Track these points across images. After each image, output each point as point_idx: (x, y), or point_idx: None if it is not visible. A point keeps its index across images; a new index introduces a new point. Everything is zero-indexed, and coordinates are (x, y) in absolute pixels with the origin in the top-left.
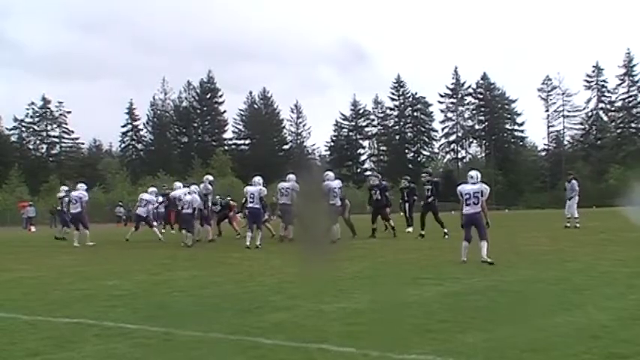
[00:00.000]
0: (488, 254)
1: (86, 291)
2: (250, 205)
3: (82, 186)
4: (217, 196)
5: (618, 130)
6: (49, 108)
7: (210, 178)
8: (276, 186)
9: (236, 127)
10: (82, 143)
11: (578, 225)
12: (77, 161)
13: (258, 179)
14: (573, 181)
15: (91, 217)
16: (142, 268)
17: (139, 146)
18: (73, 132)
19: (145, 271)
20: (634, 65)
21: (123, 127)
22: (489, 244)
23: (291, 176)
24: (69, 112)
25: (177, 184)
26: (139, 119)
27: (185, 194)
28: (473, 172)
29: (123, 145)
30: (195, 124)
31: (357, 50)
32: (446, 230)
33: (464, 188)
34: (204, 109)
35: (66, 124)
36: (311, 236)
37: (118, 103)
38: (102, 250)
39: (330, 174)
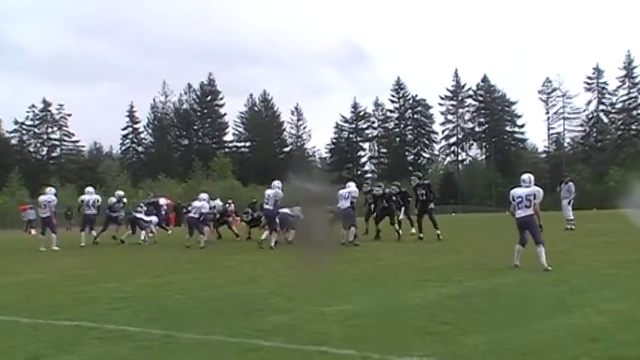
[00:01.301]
0: (547, 261)
1: (88, 294)
2: (265, 206)
3: (50, 190)
4: (217, 200)
5: (619, 132)
6: (49, 111)
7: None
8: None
9: (236, 130)
10: (83, 146)
11: (573, 227)
12: (78, 164)
13: (276, 183)
14: (570, 183)
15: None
16: (144, 270)
17: (140, 149)
18: (73, 135)
19: (146, 273)
20: (634, 67)
21: (123, 129)
22: (546, 248)
23: (276, 183)
24: (69, 115)
25: (90, 189)
26: (139, 122)
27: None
28: (525, 176)
29: (123, 148)
30: (196, 127)
31: (356, 51)
32: (439, 232)
33: (516, 192)
34: (205, 111)
35: (66, 126)
36: (312, 239)
37: (119, 105)
38: (103, 253)
39: (351, 184)
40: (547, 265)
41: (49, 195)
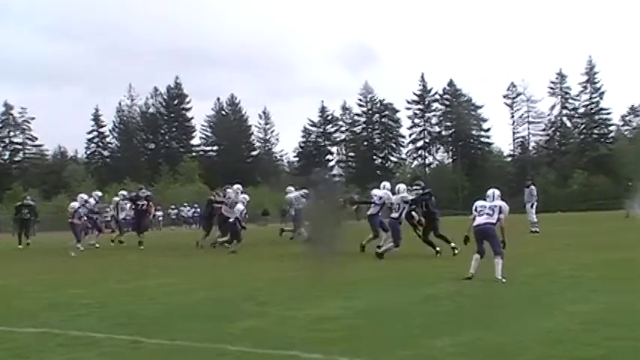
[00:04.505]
0: (503, 273)
1: (52, 300)
2: (395, 215)
3: (80, 197)
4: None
5: (581, 136)
6: (11, 114)
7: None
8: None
9: (204, 134)
10: (47, 150)
11: (537, 230)
12: (42, 168)
13: (402, 186)
14: (532, 187)
15: (57, 224)
16: (111, 276)
17: (105, 153)
18: (37, 139)
19: (113, 279)
20: (595, 73)
21: (88, 133)
22: (504, 260)
23: (401, 186)
24: (33, 119)
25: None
26: (104, 126)
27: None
28: (490, 191)
29: (89, 152)
30: (163, 131)
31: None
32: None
33: (479, 202)
34: (172, 115)
35: (30, 130)
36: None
37: (84, 109)
38: (68, 258)
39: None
40: (501, 278)
41: (76, 202)
